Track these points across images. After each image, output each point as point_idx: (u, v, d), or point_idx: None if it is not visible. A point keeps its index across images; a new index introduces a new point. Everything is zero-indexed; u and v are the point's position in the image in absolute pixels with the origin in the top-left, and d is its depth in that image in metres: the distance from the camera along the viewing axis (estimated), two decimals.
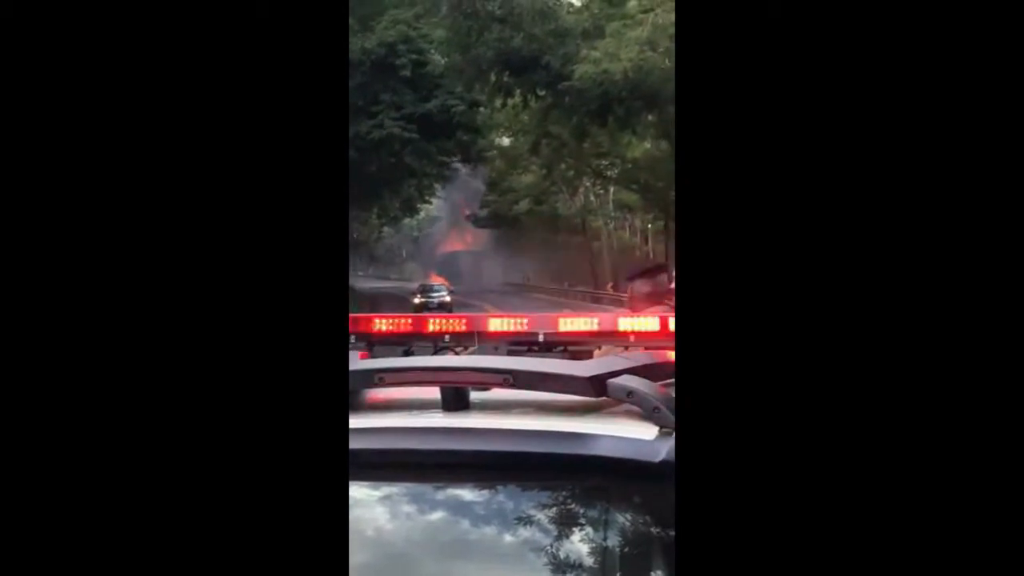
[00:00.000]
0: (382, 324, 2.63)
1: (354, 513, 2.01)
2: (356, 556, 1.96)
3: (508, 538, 1.97)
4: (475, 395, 2.23)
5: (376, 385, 2.26)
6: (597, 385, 2.08)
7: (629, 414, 2.03)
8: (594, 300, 34.34)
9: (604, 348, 2.62)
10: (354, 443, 2.04)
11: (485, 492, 2.00)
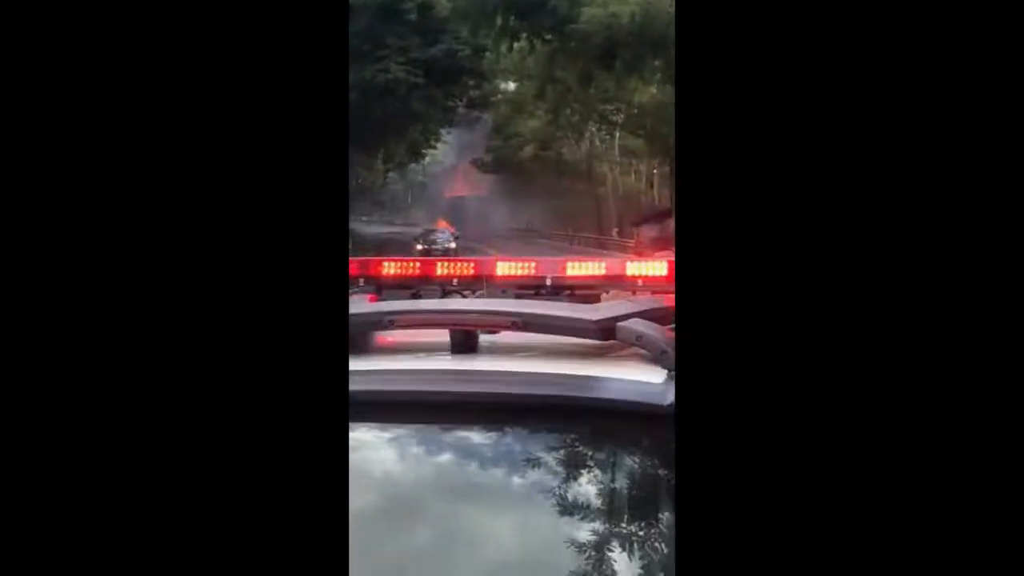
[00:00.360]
0: (390, 267, 2.62)
1: (362, 455, 2.02)
2: (364, 498, 1.98)
3: (516, 480, 1.98)
4: (483, 338, 2.23)
5: (385, 328, 2.26)
6: (605, 329, 2.08)
7: (637, 357, 2.03)
8: (599, 246, 34.28)
9: (612, 293, 2.61)
10: (363, 385, 2.04)
11: (493, 435, 2.01)
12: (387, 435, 2.04)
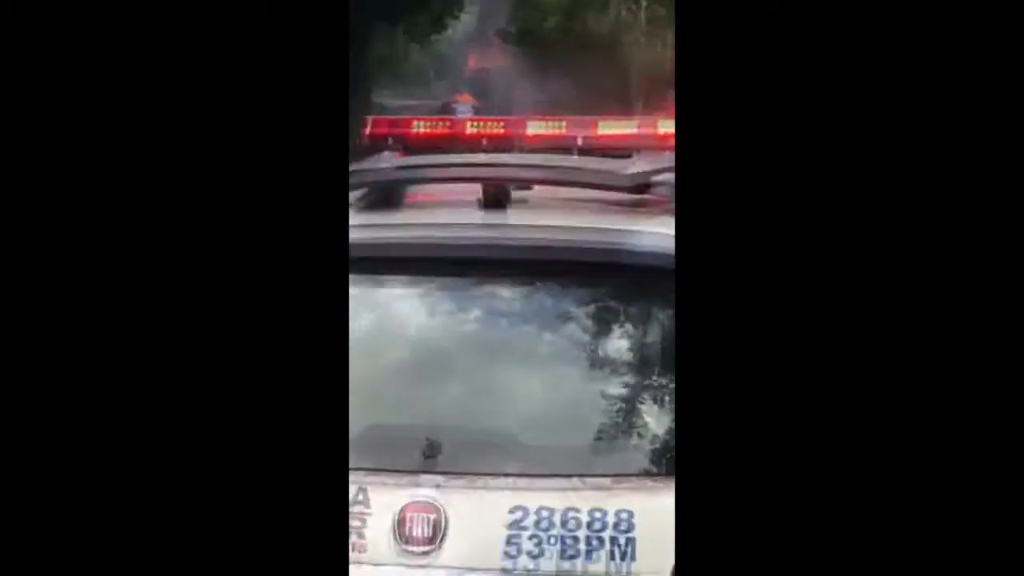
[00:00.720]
0: (419, 126, 2.59)
1: (394, 310, 2.04)
2: (396, 354, 2.00)
3: (548, 336, 1.99)
4: (516, 193, 2.22)
5: (416, 182, 2.25)
6: (639, 182, 2.06)
7: (670, 212, 2.02)
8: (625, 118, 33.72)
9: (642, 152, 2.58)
10: (394, 239, 2.04)
11: (525, 290, 2.01)
12: (417, 291, 2.04)
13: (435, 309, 2.04)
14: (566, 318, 1.98)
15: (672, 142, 2.52)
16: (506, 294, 2.02)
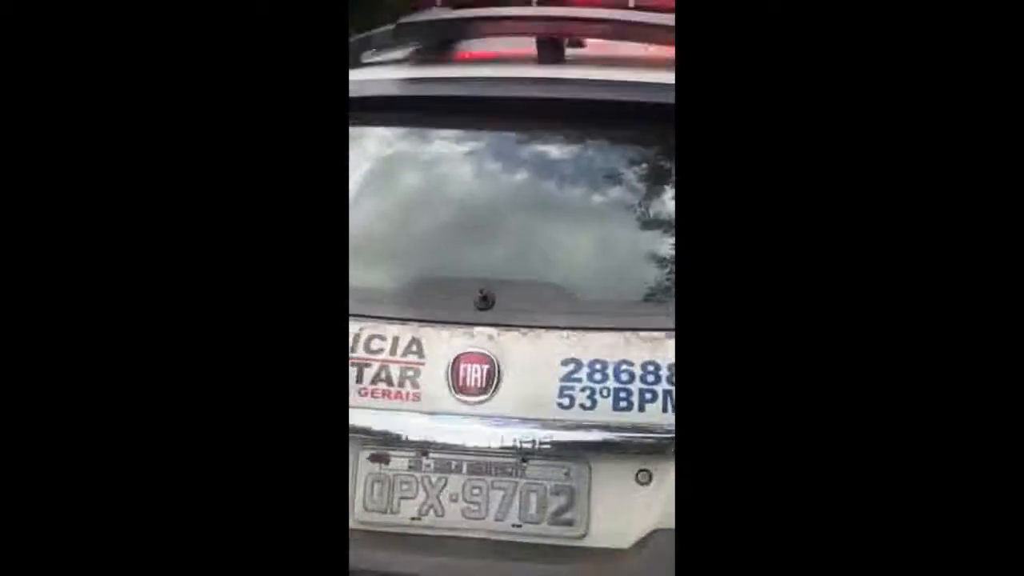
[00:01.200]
0: None
1: (439, 170, 2.02)
2: (447, 209, 1.99)
3: (599, 193, 1.97)
4: (569, 49, 2.18)
5: (468, 35, 2.21)
6: None
7: None
8: None
9: None
10: (445, 90, 2.01)
11: (574, 148, 1.98)
12: (464, 148, 2.02)
13: (486, 165, 2.02)
14: (617, 175, 1.96)
15: None
16: (554, 152, 1.99)
